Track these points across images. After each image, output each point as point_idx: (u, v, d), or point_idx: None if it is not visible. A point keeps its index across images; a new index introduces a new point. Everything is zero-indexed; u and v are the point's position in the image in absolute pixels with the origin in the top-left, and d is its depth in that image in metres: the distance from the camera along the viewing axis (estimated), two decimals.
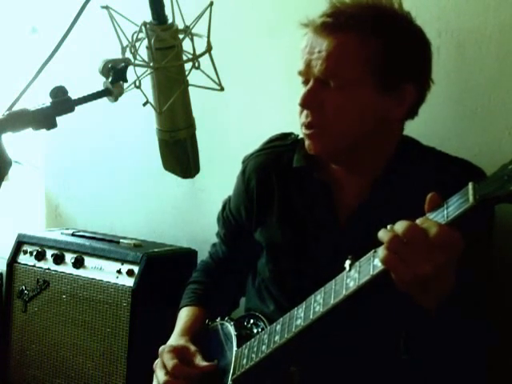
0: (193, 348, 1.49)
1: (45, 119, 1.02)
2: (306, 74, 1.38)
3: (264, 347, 1.34)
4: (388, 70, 1.33)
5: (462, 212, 1.00)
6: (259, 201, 1.55)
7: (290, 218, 1.50)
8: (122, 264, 2.14)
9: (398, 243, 1.04)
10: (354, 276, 1.14)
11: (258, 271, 1.59)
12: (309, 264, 1.46)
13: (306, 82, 1.39)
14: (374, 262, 1.11)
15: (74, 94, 1.05)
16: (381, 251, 1.07)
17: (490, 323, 1.34)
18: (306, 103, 1.37)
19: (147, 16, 1.15)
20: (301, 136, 1.46)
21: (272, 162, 1.55)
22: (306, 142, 1.41)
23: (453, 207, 1.01)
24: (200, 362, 1.45)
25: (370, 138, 1.38)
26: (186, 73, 1.20)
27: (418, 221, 1.05)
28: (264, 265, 1.56)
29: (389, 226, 1.08)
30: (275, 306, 1.51)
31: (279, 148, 1.57)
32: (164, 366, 1.46)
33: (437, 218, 1.04)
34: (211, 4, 1.17)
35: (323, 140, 1.39)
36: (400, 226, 1.05)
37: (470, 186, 0.99)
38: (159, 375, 1.46)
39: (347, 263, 1.17)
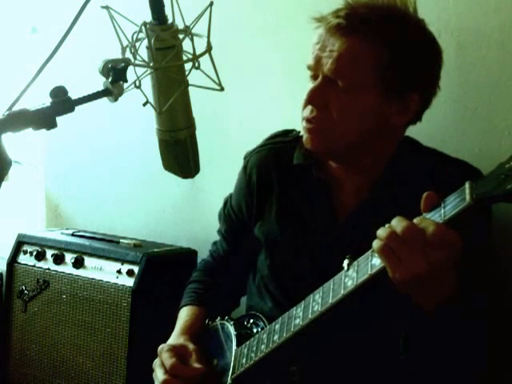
0: (191, 347, 1.49)
1: (45, 119, 1.02)
2: (315, 69, 1.38)
3: (263, 346, 1.34)
4: (396, 78, 1.33)
5: (459, 211, 1.00)
6: (259, 196, 1.56)
7: (288, 214, 1.51)
8: (122, 264, 2.14)
9: (396, 241, 1.04)
10: (352, 275, 1.15)
11: (257, 268, 1.60)
12: (306, 262, 1.46)
13: (314, 77, 1.39)
14: (372, 262, 1.11)
15: (74, 94, 1.05)
16: (376, 243, 1.07)
17: (489, 324, 1.34)
18: (313, 100, 1.37)
19: (147, 16, 1.15)
20: (302, 132, 1.46)
21: (273, 158, 1.56)
22: (304, 136, 1.42)
23: (450, 206, 1.02)
24: (194, 363, 1.45)
25: (370, 140, 1.39)
26: (186, 73, 1.20)
27: (415, 220, 1.06)
28: (263, 261, 1.56)
29: (387, 225, 1.08)
30: (273, 302, 1.51)
31: (280, 144, 1.57)
32: (163, 365, 1.46)
33: (434, 218, 1.04)
34: (211, 4, 1.17)
35: (322, 137, 1.39)
36: (397, 225, 1.05)
37: (467, 185, 1.00)
38: (158, 374, 1.46)
39: (345, 262, 1.17)
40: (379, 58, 1.32)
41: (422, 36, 1.38)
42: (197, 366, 1.44)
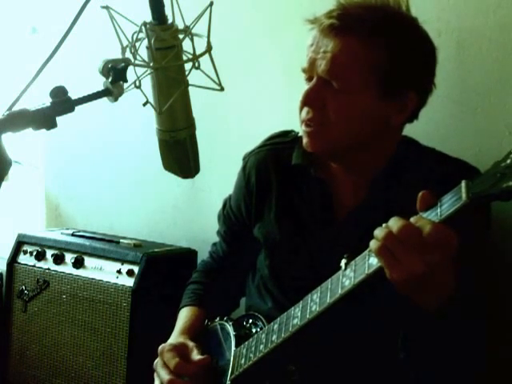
0: (191, 344, 1.49)
1: (45, 119, 1.02)
2: (310, 71, 1.38)
3: (262, 346, 1.34)
4: (392, 77, 1.33)
5: (455, 210, 1.00)
6: (258, 196, 1.56)
7: (287, 214, 1.51)
8: (122, 264, 2.14)
9: (392, 241, 1.04)
10: (349, 275, 1.15)
11: (257, 268, 1.60)
12: (305, 261, 1.46)
13: (309, 79, 1.39)
14: (369, 261, 1.11)
15: (74, 94, 1.05)
16: (373, 243, 1.07)
17: (489, 323, 1.34)
18: (308, 101, 1.37)
19: (147, 16, 1.15)
20: (301, 134, 1.47)
21: (271, 159, 1.56)
22: (304, 140, 1.42)
23: (446, 205, 1.02)
24: (196, 356, 1.45)
25: (369, 140, 1.39)
26: (186, 73, 1.20)
27: (411, 219, 1.05)
28: (262, 261, 1.56)
29: (384, 225, 1.08)
30: (272, 302, 1.52)
31: (279, 145, 1.57)
32: (166, 365, 1.46)
33: (430, 217, 1.04)
34: (211, 4, 1.17)
35: (321, 139, 1.39)
36: (394, 225, 1.05)
37: (463, 183, 1.00)
38: (162, 374, 1.46)
39: (343, 262, 1.17)
40: (376, 57, 1.32)
41: (417, 34, 1.38)
42: (199, 357, 1.44)
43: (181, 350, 1.48)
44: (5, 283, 2.44)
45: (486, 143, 1.68)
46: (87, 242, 2.29)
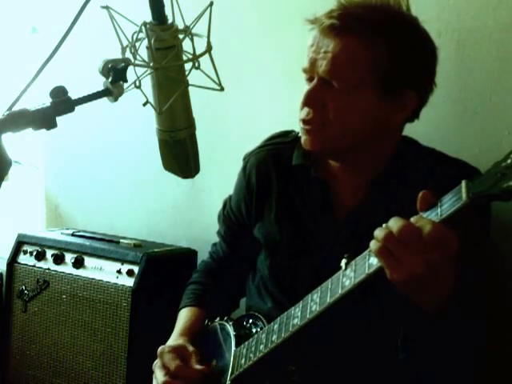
0: (191, 348, 1.49)
1: (45, 119, 1.02)
2: (311, 71, 1.38)
3: (262, 347, 1.34)
4: (392, 76, 1.33)
5: (455, 210, 1.00)
6: (258, 196, 1.56)
7: (287, 214, 1.51)
8: (122, 264, 2.14)
9: (393, 241, 1.04)
10: (349, 275, 1.15)
11: (257, 268, 1.60)
12: (305, 261, 1.46)
13: (310, 80, 1.39)
14: (369, 261, 1.11)
15: (74, 94, 1.05)
16: (373, 244, 1.07)
17: (489, 324, 1.34)
18: (309, 102, 1.37)
19: (147, 16, 1.15)
20: (300, 134, 1.46)
21: (272, 159, 1.56)
22: (303, 138, 1.42)
23: (446, 205, 1.02)
24: (195, 364, 1.45)
25: (369, 139, 1.39)
26: (186, 73, 1.20)
27: (412, 219, 1.06)
28: (262, 262, 1.56)
29: (384, 225, 1.08)
30: (272, 302, 1.52)
31: (280, 145, 1.57)
32: (164, 367, 1.46)
33: (431, 217, 1.04)
34: (211, 4, 1.17)
35: (320, 138, 1.39)
36: (394, 225, 1.05)
37: (464, 183, 1.00)
38: (159, 376, 1.46)
39: (343, 262, 1.17)
40: (377, 57, 1.32)
41: (418, 34, 1.39)
42: (198, 367, 1.44)
43: (180, 353, 1.48)
44: (5, 283, 2.44)
45: (485, 143, 1.68)
46: (87, 242, 2.29)
